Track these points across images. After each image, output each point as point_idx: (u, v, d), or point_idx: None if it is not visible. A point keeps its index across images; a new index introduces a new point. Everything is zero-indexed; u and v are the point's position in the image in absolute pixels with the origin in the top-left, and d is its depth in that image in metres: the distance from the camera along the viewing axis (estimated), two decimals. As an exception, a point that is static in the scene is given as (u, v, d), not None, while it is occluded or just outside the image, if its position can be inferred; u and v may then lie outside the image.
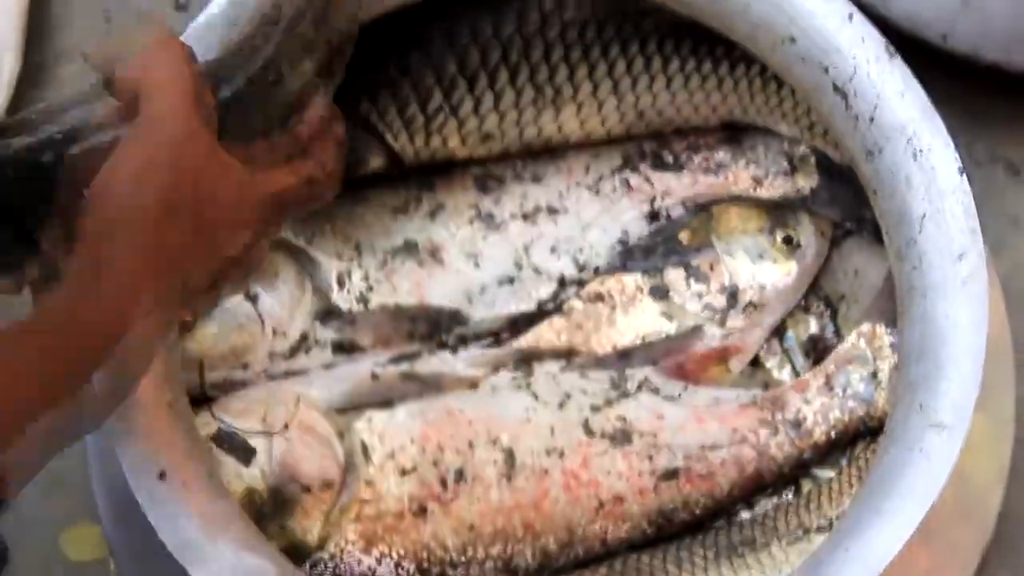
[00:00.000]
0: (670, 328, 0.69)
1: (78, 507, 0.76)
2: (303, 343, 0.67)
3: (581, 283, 0.70)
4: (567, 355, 0.68)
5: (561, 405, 0.66)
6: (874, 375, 0.67)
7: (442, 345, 0.68)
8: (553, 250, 0.70)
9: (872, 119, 0.55)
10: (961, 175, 0.55)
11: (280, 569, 0.55)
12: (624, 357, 0.69)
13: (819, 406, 0.67)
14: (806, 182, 0.72)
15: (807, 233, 0.70)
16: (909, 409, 0.54)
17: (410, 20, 0.65)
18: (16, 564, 0.75)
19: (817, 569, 0.52)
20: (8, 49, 0.83)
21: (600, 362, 0.68)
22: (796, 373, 0.70)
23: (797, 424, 0.67)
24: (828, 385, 0.67)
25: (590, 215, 0.71)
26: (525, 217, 0.71)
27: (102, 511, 0.70)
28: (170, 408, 0.57)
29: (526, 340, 0.69)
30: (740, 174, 0.71)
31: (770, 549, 0.64)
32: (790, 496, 0.68)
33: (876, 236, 0.61)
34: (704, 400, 0.68)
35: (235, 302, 0.66)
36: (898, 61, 0.56)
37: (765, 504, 0.67)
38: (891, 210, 0.56)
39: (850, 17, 0.57)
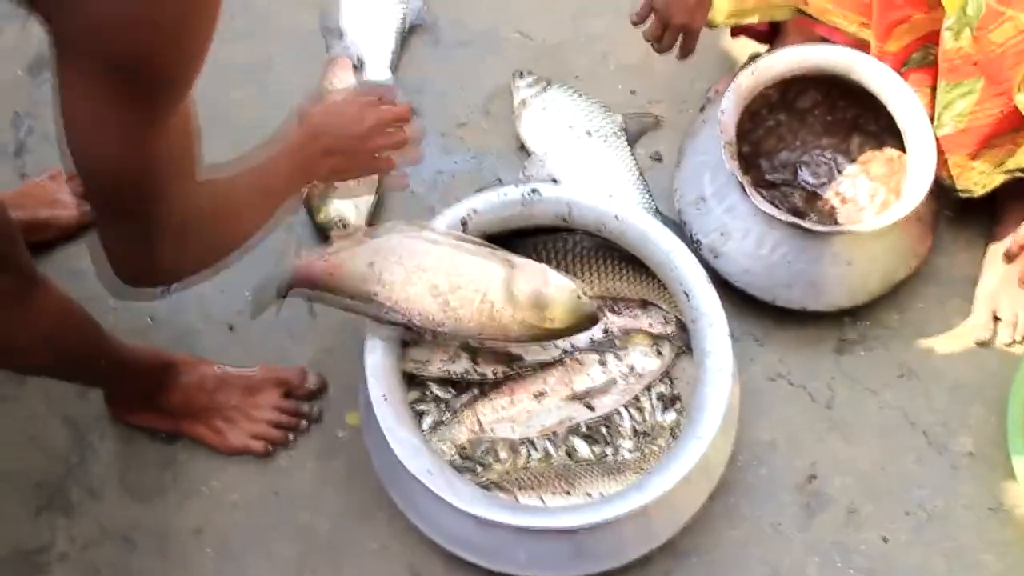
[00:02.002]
0: (602, 379, 1.58)
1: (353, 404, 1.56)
2: (454, 357, 1.56)
3: (570, 353, 1.59)
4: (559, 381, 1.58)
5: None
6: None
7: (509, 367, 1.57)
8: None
9: (696, 308, 1.45)
10: (729, 339, 1.45)
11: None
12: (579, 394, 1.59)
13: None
14: (669, 328, 1.63)
15: (667, 350, 1.60)
16: (687, 429, 1.41)
17: (519, 237, 1.56)
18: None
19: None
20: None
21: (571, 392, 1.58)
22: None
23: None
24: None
25: (579, 327, 1.62)
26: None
27: (362, 412, 1.52)
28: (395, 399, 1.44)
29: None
30: (643, 321, 1.63)
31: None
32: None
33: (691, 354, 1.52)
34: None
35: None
36: (711, 288, 1.47)
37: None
38: (697, 345, 1.46)
39: (695, 265, 1.49)
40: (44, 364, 1.42)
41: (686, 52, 1.71)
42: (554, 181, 1.75)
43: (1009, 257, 1.60)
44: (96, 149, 0.95)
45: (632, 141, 1.83)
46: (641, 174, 1.79)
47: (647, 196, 1.76)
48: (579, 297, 1.44)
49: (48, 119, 1.85)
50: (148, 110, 0.93)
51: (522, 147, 1.84)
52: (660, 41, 1.69)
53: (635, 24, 1.70)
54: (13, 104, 1.88)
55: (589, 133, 1.81)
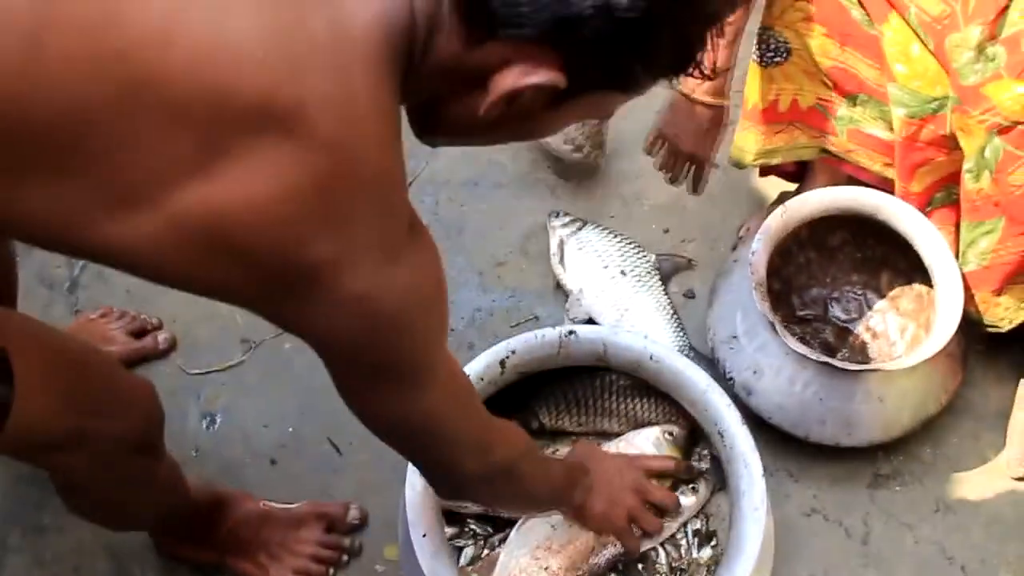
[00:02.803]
0: (640, 516, 1.60)
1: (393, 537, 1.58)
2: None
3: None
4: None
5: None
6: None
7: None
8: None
9: (730, 447, 1.48)
10: (763, 479, 1.47)
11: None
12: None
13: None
14: (704, 465, 1.65)
15: (702, 487, 1.62)
16: (723, 570, 1.41)
17: (556, 373, 1.60)
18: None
19: None
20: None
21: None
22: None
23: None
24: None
25: (615, 463, 1.64)
26: (587, 459, 1.64)
27: (401, 547, 1.53)
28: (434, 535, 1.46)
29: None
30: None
31: None
32: None
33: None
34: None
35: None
36: (745, 428, 1.50)
37: None
38: (732, 484, 1.48)
39: (728, 406, 1.52)
40: (149, 525, 1.55)
41: (697, 182, 1.77)
42: (591, 320, 1.80)
43: None
44: (381, 415, 1.05)
45: (665, 279, 1.88)
46: (675, 312, 1.84)
47: (681, 334, 1.80)
48: None
49: (103, 259, 1.93)
50: (416, 378, 1.00)
51: (558, 285, 1.89)
52: (670, 171, 1.76)
53: (647, 152, 1.77)
54: (70, 244, 1.95)
55: (623, 272, 1.86)
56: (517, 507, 1.46)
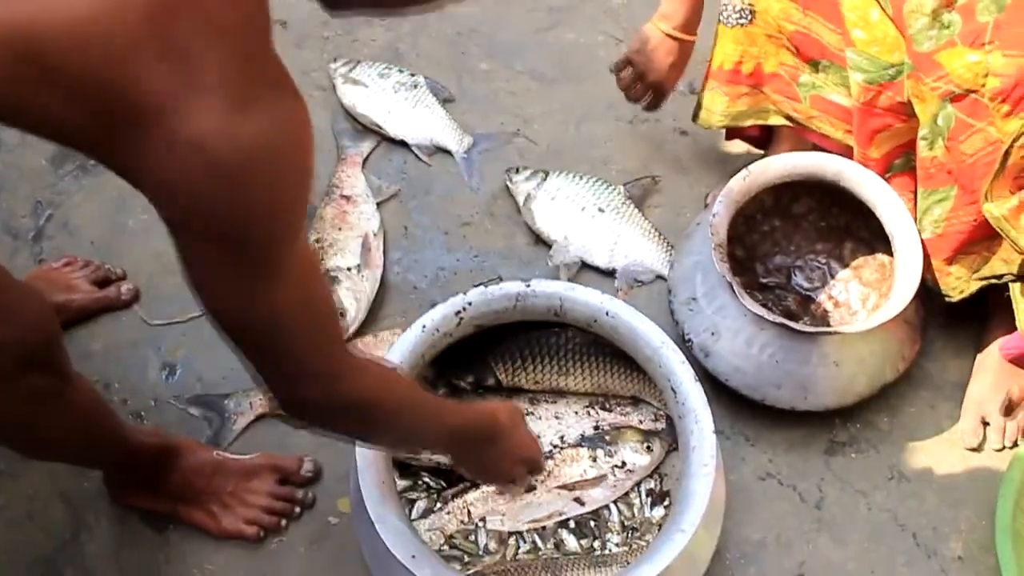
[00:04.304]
0: (593, 473, 1.60)
1: (346, 491, 1.57)
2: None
3: (561, 448, 1.62)
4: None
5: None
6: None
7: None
8: (556, 433, 1.62)
9: (682, 404, 1.48)
10: (714, 435, 1.46)
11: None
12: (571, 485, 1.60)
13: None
14: (659, 425, 1.66)
15: (657, 446, 1.62)
16: (670, 522, 1.40)
17: (515, 327, 1.60)
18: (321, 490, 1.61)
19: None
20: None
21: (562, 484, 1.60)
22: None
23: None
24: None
25: (571, 423, 1.64)
26: (542, 418, 1.64)
27: (352, 496, 1.52)
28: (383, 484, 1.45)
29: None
30: (634, 417, 1.65)
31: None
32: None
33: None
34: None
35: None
36: (697, 384, 1.49)
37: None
38: (683, 440, 1.48)
39: (682, 363, 1.51)
40: (71, 454, 1.47)
41: (652, 107, 1.86)
42: (583, 263, 1.85)
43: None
44: (225, 309, 0.96)
45: (639, 205, 1.92)
46: (660, 233, 1.88)
47: (671, 251, 1.86)
48: None
49: (67, 207, 1.93)
50: (262, 265, 0.92)
51: (538, 240, 1.89)
52: (632, 94, 1.84)
53: (613, 72, 1.84)
54: (35, 192, 1.95)
55: (601, 210, 1.89)
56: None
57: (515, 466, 1.46)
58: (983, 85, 1.39)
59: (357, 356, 1.12)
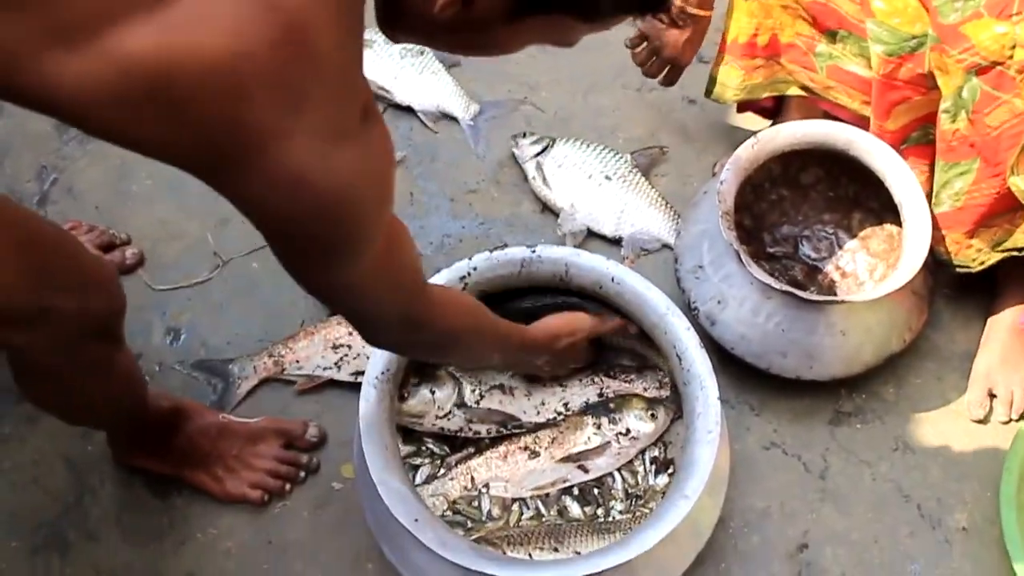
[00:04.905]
0: (597, 441, 1.60)
1: (351, 456, 1.57)
2: (448, 414, 1.58)
3: (565, 416, 1.62)
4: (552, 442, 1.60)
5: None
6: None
7: (504, 426, 1.60)
8: (560, 401, 1.62)
9: (687, 370, 1.47)
10: (718, 402, 1.46)
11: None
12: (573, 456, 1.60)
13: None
14: (664, 392, 1.65)
15: (661, 414, 1.62)
16: (674, 488, 1.40)
17: (521, 295, 1.59)
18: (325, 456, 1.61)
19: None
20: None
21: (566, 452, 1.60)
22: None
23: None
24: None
25: (575, 390, 1.63)
26: (547, 385, 1.63)
27: (355, 461, 1.53)
28: (387, 449, 1.45)
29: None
30: (639, 385, 1.65)
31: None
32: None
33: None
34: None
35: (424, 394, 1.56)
36: (703, 351, 1.49)
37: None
38: (688, 407, 1.47)
39: (687, 329, 1.51)
40: (106, 419, 1.52)
41: (668, 83, 1.83)
42: (589, 231, 1.85)
43: None
44: (310, 283, 1.07)
45: (646, 174, 1.91)
46: (667, 202, 1.88)
47: (678, 220, 1.85)
48: None
49: (72, 172, 1.92)
50: (349, 255, 1.01)
51: (544, 207, 1.89)
52: (648, 69, 1.82)
53: (629, 47, 1.81)
54: (40, 157, 1.94)
55: (608, 178, 1.88)
56: (457, 364, 1.58)
57: (566, 366, 1.61)
58: (1010, 57, 1.38)
59: (436, 296, 1.23)
